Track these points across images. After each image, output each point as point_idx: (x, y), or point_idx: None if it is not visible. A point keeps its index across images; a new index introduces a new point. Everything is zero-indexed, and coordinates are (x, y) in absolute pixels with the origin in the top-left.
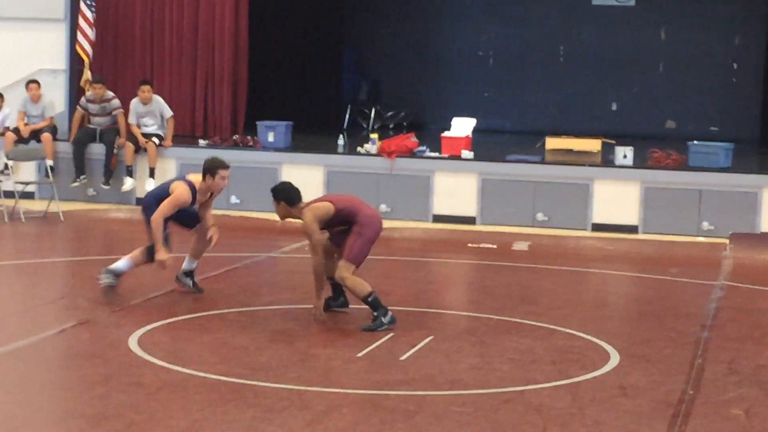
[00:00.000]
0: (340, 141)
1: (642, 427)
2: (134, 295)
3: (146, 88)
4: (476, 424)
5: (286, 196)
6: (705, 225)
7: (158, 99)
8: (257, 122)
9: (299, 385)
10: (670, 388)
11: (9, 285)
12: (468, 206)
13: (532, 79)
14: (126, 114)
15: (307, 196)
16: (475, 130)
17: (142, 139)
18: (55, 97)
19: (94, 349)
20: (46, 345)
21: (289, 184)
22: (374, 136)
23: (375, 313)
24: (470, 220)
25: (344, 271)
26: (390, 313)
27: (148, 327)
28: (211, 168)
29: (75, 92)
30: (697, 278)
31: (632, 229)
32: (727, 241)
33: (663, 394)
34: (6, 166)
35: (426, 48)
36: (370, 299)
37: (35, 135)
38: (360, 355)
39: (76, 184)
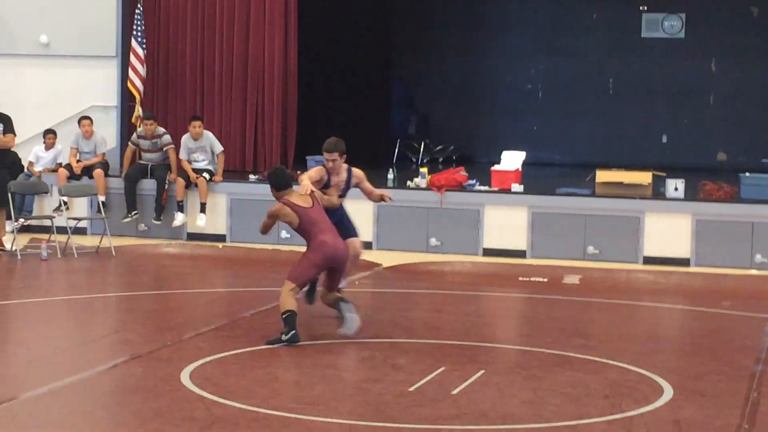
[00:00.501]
0: (390, 175)
1: None
2: (186, 330)
3: (197, 123)
4: None
5: (274, 180)
6: (758, 257)
7: (209, 134)
8: (307, 156)
9: (351, 419)
10: (725, 423)
11: (62, 320)
12: (518, 240)
13: (581, 111)
14: (177, 149)
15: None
16: (525, 164)
17: (192, 175)
18: (107, 134)
19: (146, 383)
20: (99, 380)
21: (282, 169)
22: (424, 170)
23: (284, 330)
24: (520, 254)
25: (284, 286)
26: (294, 333)
27: (201, 361)
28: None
29: (126, 128)
30: (751, 311)
31: (684, 262)
32: None
33: (718, 428)
34: (61, 203)
35: (475, 81)
36: (284, 316)
37: (87, 171)
38: (412, 389)
39: (127, 219)
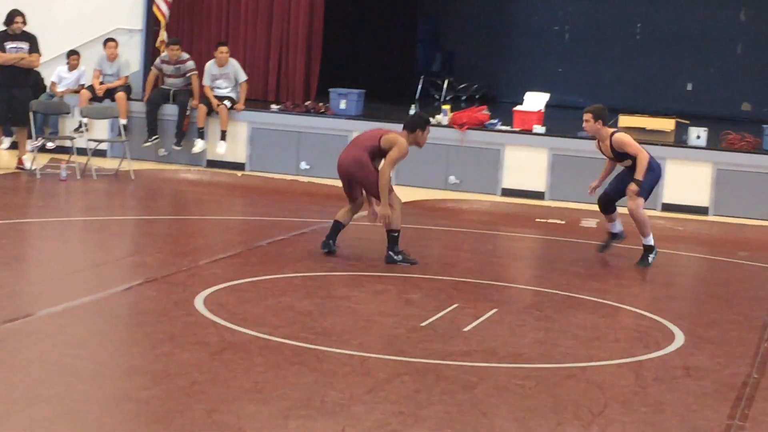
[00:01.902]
0: (412, 110)
1: (704, 408)
2: (202, 256)
3: (224, 49)
4: (537, 398)
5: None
6: None
7: (234, 62)
8: (330, 89)
9: (362, 351)
10: (735, 371)
11: (78, 241)
12: (538, 181)
13: (607, 55)
14: (200, 76)
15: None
16: (548, 105)
17: (215, 101)
18: (131, 57)
19: (159, 307)
20: (113, 302)
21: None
22: (446, 107)
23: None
24: (539, 195)
25: None
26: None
27: (215, 288)
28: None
29: (150, 53)
30: (767, 262)
31: (703, 211)
32: None
33: (727, 376)
34: (80, 124)
35: (501, 21)
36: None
37: (110, 94)
38: (423, 324)
39: (148, 144)
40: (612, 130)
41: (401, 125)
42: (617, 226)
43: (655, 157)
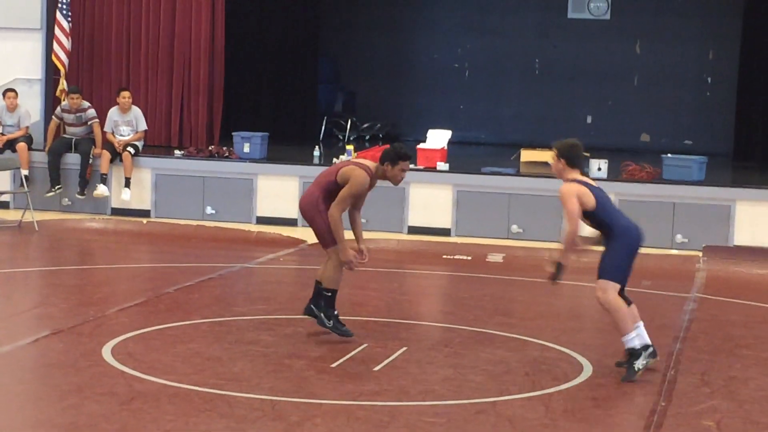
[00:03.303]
0: (316, 152)
1: None
2: (109, 305)
3: (126, 94)
4: None
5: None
6: (679, 237)
7: (136, 109)
8: (233, 133)
9: (273, 395)
10: (643, 400)
11: None
12: (443, 218)
13: (507, 91)
14: (102, 123)
15: (281, 208)
16: (451, 142)
17: (119, 144)
18: (31, 107)
19: (67, 358)
20: (19, 354)
21: None
22: (350, 147)
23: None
24: (445, 232)
25: None
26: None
27: (123, 337)
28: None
29: (51, 102)
30: (670, 290)
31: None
32: (700, 253)
33: (635, 405)
34: None
35: (401, 60)
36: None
37: (10, 144)
38: (334, 365)
39: (51, 194)
40: (574, 177)
41: (304, 167)
42: (634, 338)
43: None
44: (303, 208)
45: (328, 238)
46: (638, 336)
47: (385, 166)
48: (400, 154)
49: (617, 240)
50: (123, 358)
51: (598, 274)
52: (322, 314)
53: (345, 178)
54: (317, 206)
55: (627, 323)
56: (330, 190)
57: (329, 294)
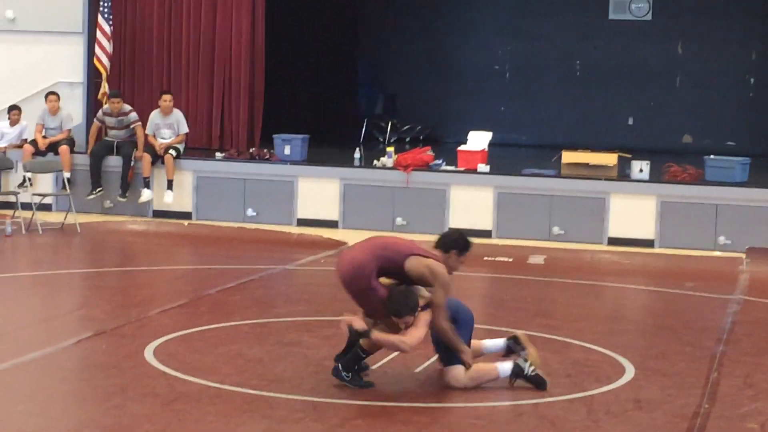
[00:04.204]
0: (356, 154)
1: None
2: (151, 307)
3: (167, 97)
4: None
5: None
6: (721, 239)
7: (178, 112)
8: (274, 135)
9: (314, 396)
10: (686, 402)
11: (26, 296)
12: (484, 220)
13: (548, 93)
14: (143, 125)
15: (322, 209)
16: (491, 144)
17: (161, 147)
18: (73, 110)
19: (110, 359)
20: (63, 356)
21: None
22: (390, 149)
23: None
24: (486, 234)
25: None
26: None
27: (165, 338)
28: (464, 244)
29: (92, 105)
30: (714, 292)
31: (648, 243)
32: (743, 255)
33: (678, 407)
34: (24, 179)
35: (442, 62)
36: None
37: (53, 147)
38: (375, 367)
39: (92, 196)
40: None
41: (345, 169)
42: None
43: (600, 192)
44: (349, 278)
45: (380, 311)
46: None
47: (451, 254)
48: (468, 243)
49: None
50: (165, 359)
51: (444, 364)
52: (340, 366)
53: (420, 272)
54: (369, 281)
55: (490, 372)
56: (388, 269)
57: (364, 355)
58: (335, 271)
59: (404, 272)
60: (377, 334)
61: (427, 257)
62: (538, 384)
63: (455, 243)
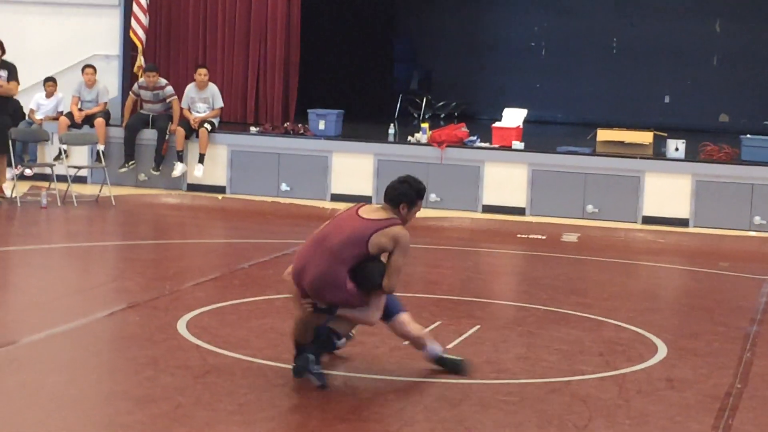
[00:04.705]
0: (391, 130)
1: (688, 420)
2: (184, 280)
3: (203, 71)
4: (521, 413)
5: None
6: (757, 219)
7: (213, 87)
8: (308, 110)
9: (345, 371)
10: (718, 382)
11: (60, 268)
12: (518, 197)
13: (584, 70)
14: (179, 99)
15: (356, 185)
16: (526, 121)
17: (195, 120)
18: (108, 83)
19: (143, 332)
20: (96, 327)
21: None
22: (425, 125)
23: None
24: (520, 211)
25: None
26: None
27: (197, 311)
28: (413, 197)
29: (128, 78)
30: (748, 272)
31: (683, 223)
32: None
33: (710, 387)
34: (60, 151)
35: (478, 38)
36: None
37: (89, 120)
38: (406, 343)
39: (124, 169)
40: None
41: (379, 144)
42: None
43: (635, 171)
44: (319, 290)
45: (351, 302)
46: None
47: (400, 208)
48: (418, 193)
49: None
50: (198, 332)
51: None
52: (310, 355)
53: (384, 245)
54: (345, 288)
55: (423, 332)
56: (357, 264)
57: (337, 340)
58: (292, 279)
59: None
60: (343, 310)
61: (383, 228)
62: (455, 367)
63: (404, 196)
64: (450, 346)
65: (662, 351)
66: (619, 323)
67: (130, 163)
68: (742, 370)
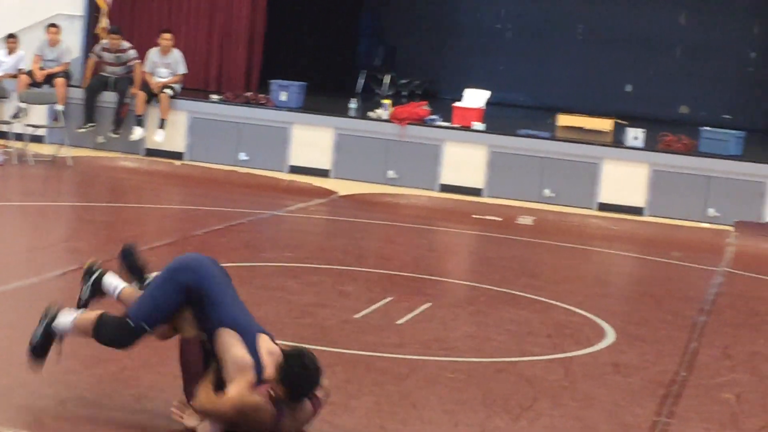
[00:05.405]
0: (353, 104)
1: (633, 404)
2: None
3: (167, 36)
4: (467, 390)
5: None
6: (711, 211)
7: (177, 52)
8: (271, 81)
9: (294, 341)
10: (663, 369)
11: (13, 226)
12: (475, 178)
13: (548, 54)
14: (141, 63)
15: (314, 158)
16: (488, 103)
17: (157, 86)
18: (71, 43)
19: None
20: (46, 287)
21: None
22: (387, 101)
23: None
24: (477, 192)
25: None
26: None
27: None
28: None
29: (91, 39)
30: (699, 263)
31: (638, 211)
32: (731, 228)
33: (655, 374)
34: (18, 109)
35: (445, 17)
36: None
37: (49, 79)
38: (357, 316)
39: (83, 130)
40: None
41: (340, 118)
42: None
43: (593, 157)
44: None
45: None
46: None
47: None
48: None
49: None
50: None
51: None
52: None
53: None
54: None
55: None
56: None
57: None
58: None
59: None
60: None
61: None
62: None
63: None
64: (400, 321)
65: (610, 336)
66: (569, 307)
67: (90, 124)
68: (687, 358)
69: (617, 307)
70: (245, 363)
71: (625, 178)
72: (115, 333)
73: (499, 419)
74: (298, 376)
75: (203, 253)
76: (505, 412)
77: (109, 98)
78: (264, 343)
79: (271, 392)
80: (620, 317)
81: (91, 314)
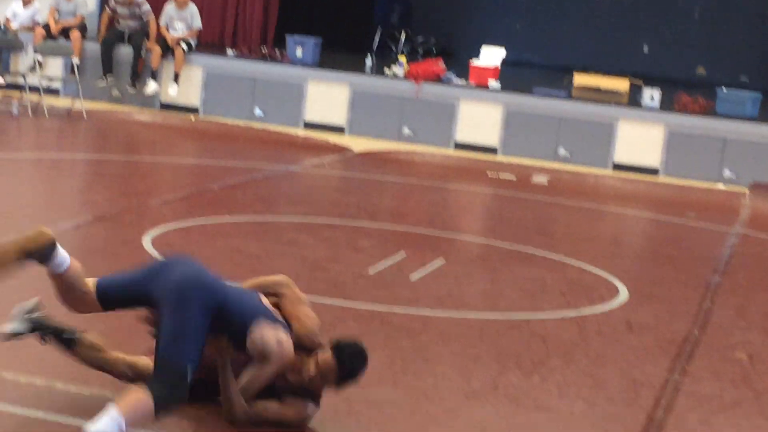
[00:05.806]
0: (368, 61)
1: (645, 363)
2: (151, 197)
3: None
4: (480, 347)
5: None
6: (726, 173)
7: (193, 6)
8: (287, 36)
9: (307, 294)
10: (676, 328)
11: (28, 178)
12: (491, 136)
13: (565, 14)
14: (157, 17)
15: (329, 114)
16: (505, 62)
17: (173, 40)
18: None
19: (107, 245)
20: (61, 238)
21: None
22: (402, 59)
23: None
24: (492, 150)
25: None
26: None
27: (163, 228)
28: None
29: None
30: (714, 224)
31: (653, 172)
32: (746, 190)
33: (669, 333)
34: (34, 61)
35: None
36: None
37: (65, 32)
38: (371, 271)
39: (102, 83)
40: None
41: (355, 75)
42: None
43: (609, 117)
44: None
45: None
46: None
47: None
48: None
49: None
50: (163, 249)
51: None
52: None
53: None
54: None
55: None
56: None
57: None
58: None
59: None
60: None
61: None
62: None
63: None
64: (414, 277)
65: (624, 295)
66: (583, 265)
67: (108, 75)
68: (701, 318)
69: (631, 267)
70: (290, 351)
71: (641, 138)
72: (174, 395)
73: (512, 375)
74: (358, 365)
75: (217, 208)
76: (517, 368)
77: (124, 52)
78: (266, 301)
79: (318, 360)
80: (634, 276)
81: (132, 395)
